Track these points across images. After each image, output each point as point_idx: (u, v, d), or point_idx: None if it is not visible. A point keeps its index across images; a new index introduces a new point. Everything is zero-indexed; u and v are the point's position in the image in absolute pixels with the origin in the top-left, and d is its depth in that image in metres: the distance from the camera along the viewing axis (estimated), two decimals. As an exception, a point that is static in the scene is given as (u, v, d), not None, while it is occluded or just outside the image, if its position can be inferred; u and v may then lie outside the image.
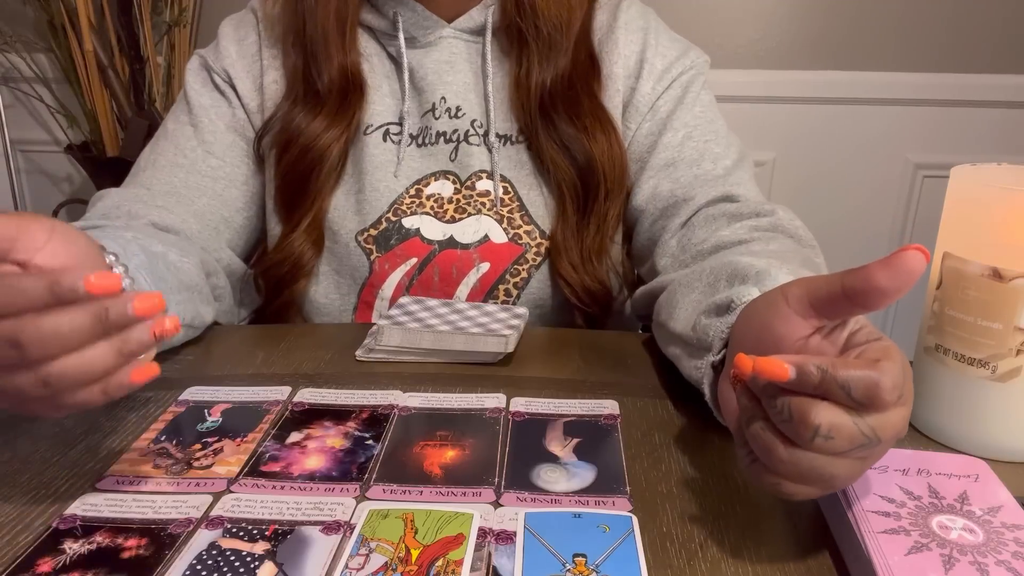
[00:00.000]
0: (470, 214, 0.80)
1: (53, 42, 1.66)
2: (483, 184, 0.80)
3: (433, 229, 0.79)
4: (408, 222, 0.79)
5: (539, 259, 0.80)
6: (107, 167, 1.62)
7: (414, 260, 0.79)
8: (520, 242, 0.79)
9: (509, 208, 0.80)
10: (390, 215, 0.79)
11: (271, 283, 0.82)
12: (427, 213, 0.80)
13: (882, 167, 1.72)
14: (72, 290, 0.40)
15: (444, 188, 0.80)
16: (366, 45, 0.82)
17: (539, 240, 0.80)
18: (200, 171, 0.80)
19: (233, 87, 0.82)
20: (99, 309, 0.41)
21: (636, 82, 0.81)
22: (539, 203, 0.80)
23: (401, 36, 0.79)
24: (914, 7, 1.62)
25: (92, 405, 0.43)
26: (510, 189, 0.80)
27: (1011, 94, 1.65)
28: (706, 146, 0.79)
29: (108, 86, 1.60)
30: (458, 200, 0.80)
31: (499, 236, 0.79)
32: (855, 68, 1.65)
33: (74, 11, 1.55)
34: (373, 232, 0.79)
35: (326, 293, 0.82)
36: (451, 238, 0.79)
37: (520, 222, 0.80)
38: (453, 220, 0.80)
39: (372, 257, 0.79)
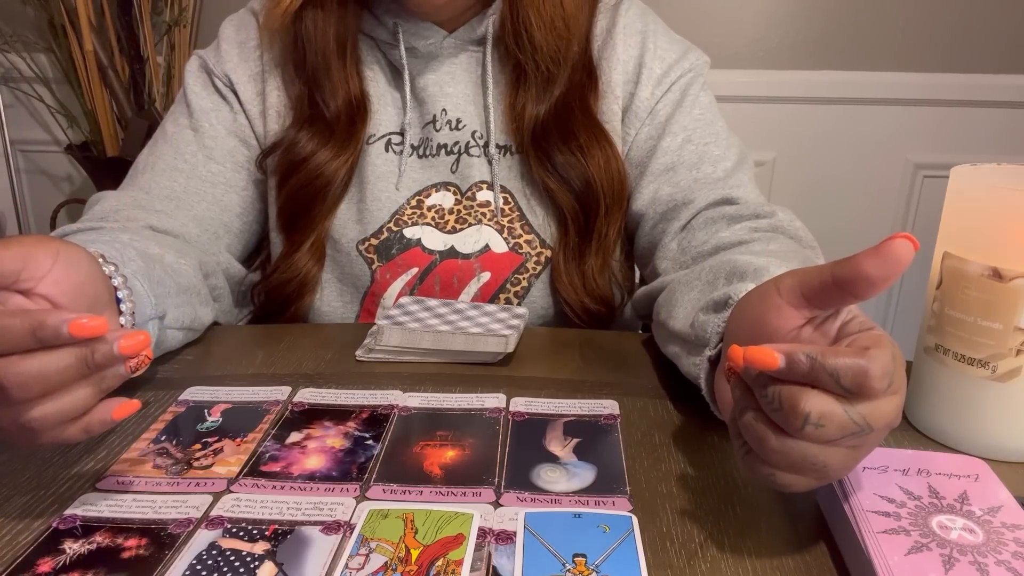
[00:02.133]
0: (471, 224, 0.80)
1: (53, 42, 1.66)
2: (483, 195, 0.80)
3: (434, 239, 0.79)
4: (409, 232, 0.79)
5: (539, 268, 0.80)
6: (107, 167, 1.62)
7: (415, 270, 0.79)
8: (521, 251, 0.79)
9: (509, 218, 0.80)
10: (391, 225, 0.79)
11: (278, 300, 0.82)
12: (428, 224, 0.80)
13: (882, 167, 1.71)
14: (56, 334, 0.40)
15: (445, 199, 0.80)
16: (367, 54, 0.81)
17: (539, 249, 0.80)
18: (200, 176, 0.80)
19: (235, 92, 0.81)
20: (85, 352, 0.41)
21: (635, 87, 0.80)
22: (539, 213, 0.80)
23: (402, 46, 0.78)
24: (914, 7, 1.62)
25: (72, 442, 0.43)
26: (510, 199, 0.80)
27: (1011, 94, 1.65)
28: (705, 149, 0.79)
29: (108, 86, 1.60)
30: (459, 211, 0.80)
31: (500, 246, 0.79)
32: (856, 68, 1.65)
33: (74, 11, 1.55)
34: (374, 242, 0.79)
35: (329, 301, 0.82)
36: (452, 248, 0.79)
37: (520, 232, 0.80)
38: (454, 230, 0.80)
39: (373, 266, 0.79)
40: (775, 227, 0.70)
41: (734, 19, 1.65)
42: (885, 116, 1.68)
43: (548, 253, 0.80)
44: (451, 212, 0.80)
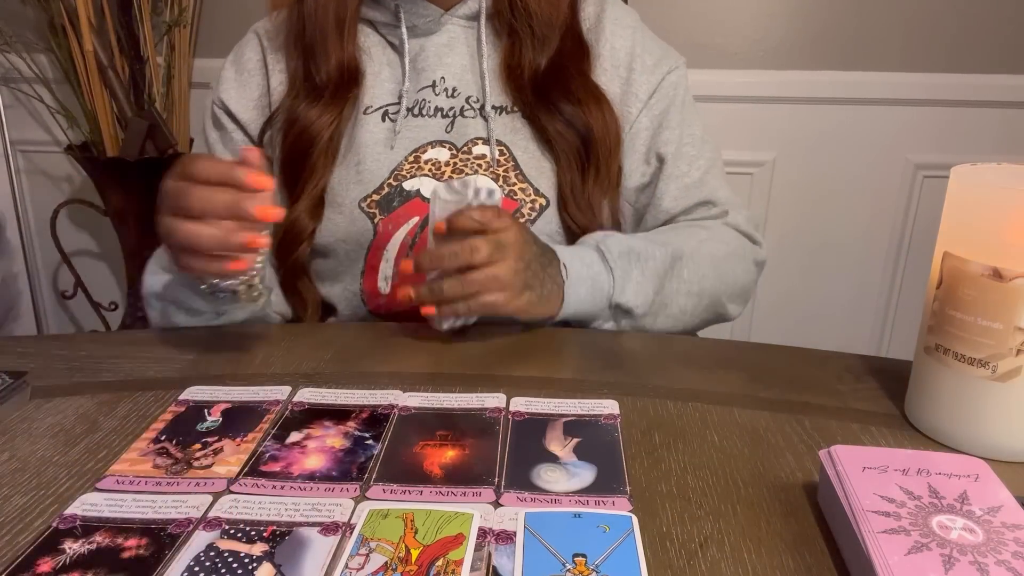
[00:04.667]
0: (467, 174, 0.83)
1: (53, 42, 1.66)
2: (479, 149, 0.84)
3: (433, 188, 0.81)
4: (408, 185, 0.82)
5: (534, 215, 0.83)
6: (107, 167, 1.62)
7: (416, 219, 0.82)
8: (516, 198, 0.82)
9: (504, 168, 0.83)
10: (391, 180, 0.83)
11: (275, 251, 0.85)
12: (426, 175, 0.83)
13: (882, 167, 1.71)
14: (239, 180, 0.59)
15: (440, 154, 0.84)
16: (366, 38, 0.87)
17: (534, 197, 0.83)
18: None
19: (229, 114, 0.88)
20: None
21: (629, 73, 0.86)
22: (533, 164, 0.83)
23: (403, 26, 0.84)
24: (914, 7, 1.62)
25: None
26: (506, 151, 0.84)
27: (1012, 94, 1.65)
28: (684, 150, 0.87)
29: (108, 86, 1.60)
30: (455, 163, 0.83)
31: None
32: (855, 68, 1.65)
33: (74, 11, 1.55)
34: (376, 197, 0.82)
35: (335, 265, 0.85)
36: None
37: (515, 180, 0.83)
38: (451, 179, 0.81)
39: (375, 220, 0.82)
40: (708, 222, 0.85)
41: (734, 19, 1.64)
42: (885, 116, 1.68)
43: (542, 201, 0.83)
44: (447, 164, 0.83)
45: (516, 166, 0.83)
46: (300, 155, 0.83)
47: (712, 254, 0.81)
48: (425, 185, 0.82)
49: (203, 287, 0.67)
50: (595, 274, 0.73)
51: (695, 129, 0.89)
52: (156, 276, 0.78)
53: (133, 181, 1.57)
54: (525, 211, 0.82)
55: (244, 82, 0.88)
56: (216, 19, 1.73)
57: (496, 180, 0.82)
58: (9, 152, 1.82)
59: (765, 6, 1.63)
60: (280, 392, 0.61)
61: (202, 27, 1.73)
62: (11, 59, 1.74)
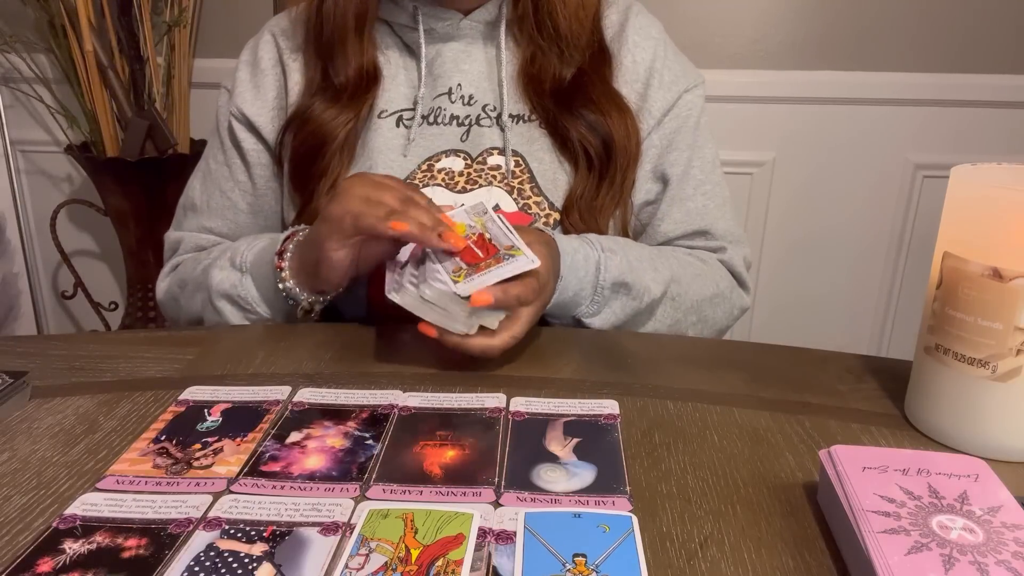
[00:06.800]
0: (481, 185, 0.82)
1: (53, 42, 1.66)
2: (494, 159, 0.83)
3: (444, 199, 0.81)
4: None
5: (547, 229, 0.81)
6: (107, 167, 1.62)
7: None
8: (530, 212, 0.81)
9: (520, 180, 0.82)
10: None
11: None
12: (438, 184, 0.82)
13: (882, 167, 1.71)
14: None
15: (455, 164, 0.83)
16: (383, 39, 0.85)
17: (548, 211, 0.81)
18: (252, 210, 0.89)
19: (248, 124, 0.86)
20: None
21: (645, 88, 0.85)
22: (549, 176, 0.82)
23: (421, 29, 0.83)
24: (915, 8, 1.62)
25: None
26: (521, 162, 0.82)
27: (1012, 94, 1.65)
28: (692, 172, 0.86)
29: (108, 86, 1.60)
30: (468, 174, 0.82)
31: (509, 205, 0.81)
32: (855, 68, 1.65)
33: (74, 11, 1.55)
34: None
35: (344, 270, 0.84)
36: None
37: (530, 193, 0.81)
38: (464, 191, 0.82)
39: None
40: (705, 255, 0.84)
41: (734, 19, 1.64)
42: (885, 116, 1.68)
43: (556, 216, 0.82)
44: (461, 175, 0.82)
45: (531, 178, 0.82)
46: (313, 153, 0.82)
47: (700, 293, 0.81)
48: (437, 195, 0.81)
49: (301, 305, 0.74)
50: (578, 290, 0.73)
51: (706, 153, 0.87)
52: (225, 272, 0.78)
53: (133, 181, 1.57)
54: (539, 225, 0.81)
55: (259, 83, 0.87)
56: (216, 19, 1.73)
57: (511, 192, 0.81)
58: (9, 152, 1.83)
59: (765, 6, 1.64)
60: (280, 392, 0.61)
61: (202, 27, 1.73)
62: (11, 59, 1.74)
